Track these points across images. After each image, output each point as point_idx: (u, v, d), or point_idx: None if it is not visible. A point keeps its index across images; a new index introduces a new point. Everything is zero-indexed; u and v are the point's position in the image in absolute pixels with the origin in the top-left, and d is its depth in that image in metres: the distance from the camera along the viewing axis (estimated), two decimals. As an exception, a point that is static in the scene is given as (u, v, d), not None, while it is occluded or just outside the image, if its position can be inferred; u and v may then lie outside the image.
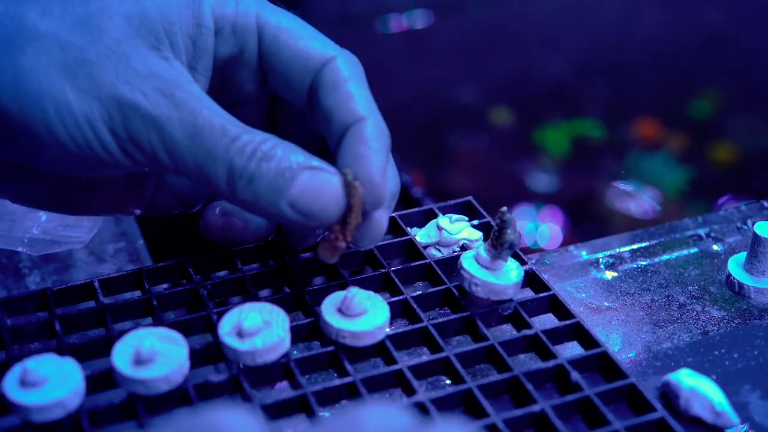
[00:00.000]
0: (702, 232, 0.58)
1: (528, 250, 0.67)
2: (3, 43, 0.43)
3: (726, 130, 1.56)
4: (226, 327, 0.45)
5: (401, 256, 0.53)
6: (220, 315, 0.47)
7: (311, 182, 0.44)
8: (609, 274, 0.54)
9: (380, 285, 0.51)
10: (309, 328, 0.48)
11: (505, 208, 0.47)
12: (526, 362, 0.47)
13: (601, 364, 0.46)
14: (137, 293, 0.51)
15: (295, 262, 0.51)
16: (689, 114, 1.59)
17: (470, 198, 0.56)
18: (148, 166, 0.45)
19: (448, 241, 0.53)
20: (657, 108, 1.60)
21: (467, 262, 0.49)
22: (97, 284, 0.50)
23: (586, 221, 1.37)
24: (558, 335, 0.47)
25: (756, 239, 0.52)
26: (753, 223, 0.57)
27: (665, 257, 0.55)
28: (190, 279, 0.51)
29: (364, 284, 0.49)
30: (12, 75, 0.43)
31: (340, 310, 0.46)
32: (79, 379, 0.43)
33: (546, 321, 0.49)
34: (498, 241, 0.48)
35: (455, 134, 1.54)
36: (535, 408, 0.43)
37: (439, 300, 0.50)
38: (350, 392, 0.45)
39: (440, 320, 0.48)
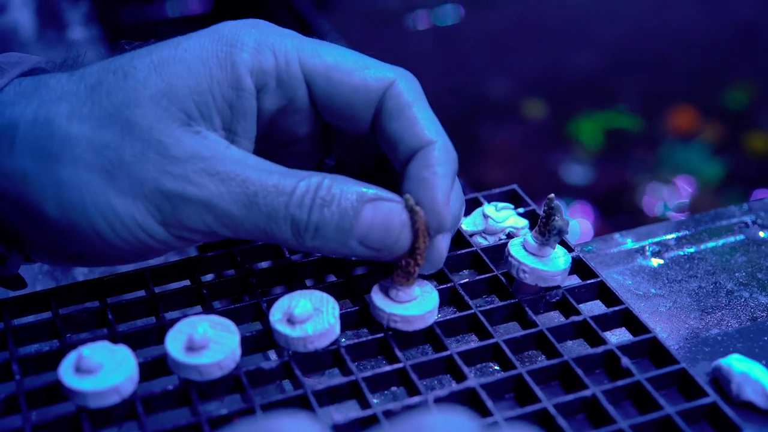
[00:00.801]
0: (748, 219, 0.57)
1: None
2: (40, 155, 0.43)
3: (761, 120, 1.55)
4: (276, 314, 0.46)
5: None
6: (270, 303, 0.47)
7: (376, 215, 0.44)
8: (655, 262, 0.54)
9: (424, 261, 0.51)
10: (357, 316, 0.48)
11: (552, 195, 0.48)
12: (574, 349, 0.47)
13: (651, 350, 0.46)
14: (186, 282, 0.51)
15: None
16: (724, 104, 1.59)
17: (515, 186, 0.56)
18: (206, 241, 0.46)
19: (494, 229, 0.53)
20: (691, 98, 1.59)
21: (515, 249, 0.49)
22: (147, 274, 0.50)
23: (621, 213, 1.37)
24: (606, 321, 0.47)
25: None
26: (799, 210, 0.56)
27: (711, 244, 0.55)
28: (238, 268, 0.51)
29: (412, 272, 0.49)
30: (54, 189, 0.43)
31: (390, 296, 0.47)
32: (133, 365, 0.44)
33: (594, 308, 0.49)
34: (546, 228, 0.48)
35: (488, 127, 1.54)
36: (586, 393, 0.43)
37: (486, 287, 0.50)
38: (401, 379, 0.45)
39: (488, 307, 0.48)
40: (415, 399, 0.43)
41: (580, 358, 0.45)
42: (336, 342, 0.46)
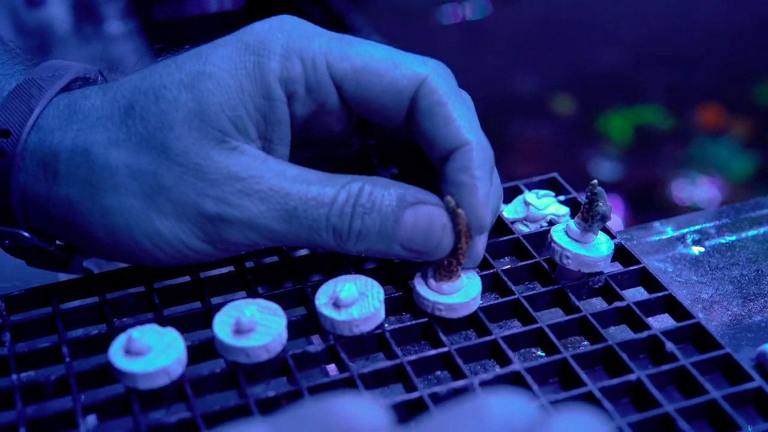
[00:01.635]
0: (789, 207, 0.57)
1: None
2: (83, 184, 0.44)
3: (791, 116, 1.54)
4: (322, 298, 0.46)
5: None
6: (314, 288, 0.48)
7: (417, 219, 0.44)
8: (696, 250, 0.54)
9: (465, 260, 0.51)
10: (399, 301, 0.48)
11: (595, 181, 0.48)
12: (617, 335, 0.47)
13: (695, 336, 0.46)
14: (230, 268, 0.52)
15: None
16: (752, 100, 1.58)
17: (555, 174, 0.56)
18: (252, 250, 0.48)
19: (535, 216, 0.53)
20: (720, 94, 1.59)
21: (558, 235, 0.49)
22: (192, 259, 0.51)
23: (651, 209, 1.36)
24: (649, 307, 0.47)
25: None
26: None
27: (752, 232, 0.55)
28: (282, 254, 0.52)
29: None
30: (100, 215, 0.44)
31: (434, 289, 0.47)
32: (182, 347, 0.44)
33: (636, 294, 0.49)
34: (589, 214, 0.48)
35: (517, 122, 1.54)
36: (632, 377, 0.43)
37: (529, 274, 0.50)
38: (445, 363, 0.45)
39: (531, 293, 0.48)
40: (461, 383, 0.43)
41: (625, 343, 0.45)
42: (380, 326, 0.46)
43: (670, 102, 1.56)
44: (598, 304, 0.49)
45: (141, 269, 0.50)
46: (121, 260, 0.48)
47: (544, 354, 0.46)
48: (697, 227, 0.56)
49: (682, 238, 0.55)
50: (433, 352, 0.45)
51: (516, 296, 0.48)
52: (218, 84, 0.44)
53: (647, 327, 0.46)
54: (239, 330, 0.44)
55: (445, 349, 0.45)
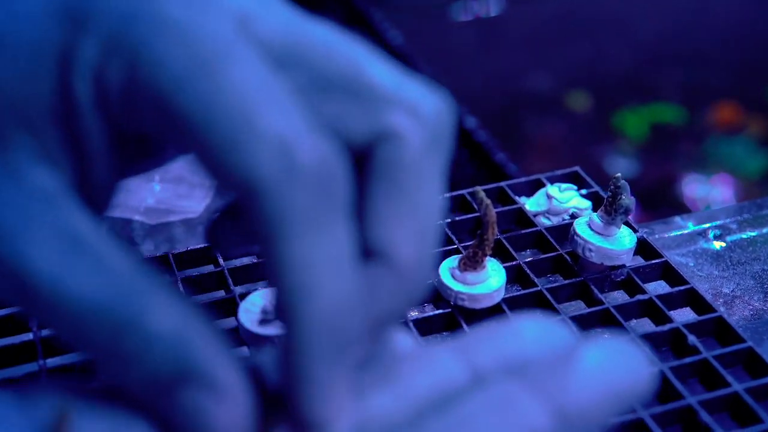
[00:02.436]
0: (810, 203, 0.58)
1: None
2: None
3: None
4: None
5: (510, 225, 0.54)
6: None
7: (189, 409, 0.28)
8: (717, 245, 0.54)
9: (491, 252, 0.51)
10: (423, 293, 0.49)
11: (619, 174, 0.48)
12: (638, 328, 0.47)
13: (717, 329, 0.46)
14: (253, 258, 0.52)
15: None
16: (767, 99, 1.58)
17: (577, 168, 0.57)
18: None
19: (557, 209, 0.53)
20: (735, 93, 1.59)
21: (581, 228, 0.50)
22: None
23: (665, 206, 1.36)
24: (671, 301, 0.48)
25: None
26: None
27: (774, 228, 0.56)
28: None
29: (476, 250, 0.50)
30: None
31: (458, 279, 0.47)
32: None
33: (657, 288, 0.49)
34: (612, 207, 0.48)
35: (532, 119, 1.54)
36: (653, 369, 0.43)
37: (551, 266, 0.51)
38: (468, 353, 0.46)
39: (554, 285, 0.48)
40: (484, 372, 0.43)
41: (647, 335, 0.45)
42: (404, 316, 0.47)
43: (686, 100, 1.56)
44: (619, 297, 0.49)
45: (164, 259, 0.51)
46: None
47: (566, 346, 0.46)
48: (718, 222, 0.56)
49: (703, 233, 0.55)
50: (456, 342, 0.45)
51: (538, 288, 0.48)
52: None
53: (669, 320, 0.46)
54: (265, 319, 0.45)
55: (469, 339, 0.45)
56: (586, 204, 0.54)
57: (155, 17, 0.27)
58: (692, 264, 0.53)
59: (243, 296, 0.47)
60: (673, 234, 0.55)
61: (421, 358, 0.29)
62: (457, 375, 0.28)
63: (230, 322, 0.47)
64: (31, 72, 0.28)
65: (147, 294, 0.28)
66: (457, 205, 0.56)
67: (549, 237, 0.52)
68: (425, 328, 0.47)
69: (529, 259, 0.50)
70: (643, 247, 0.51)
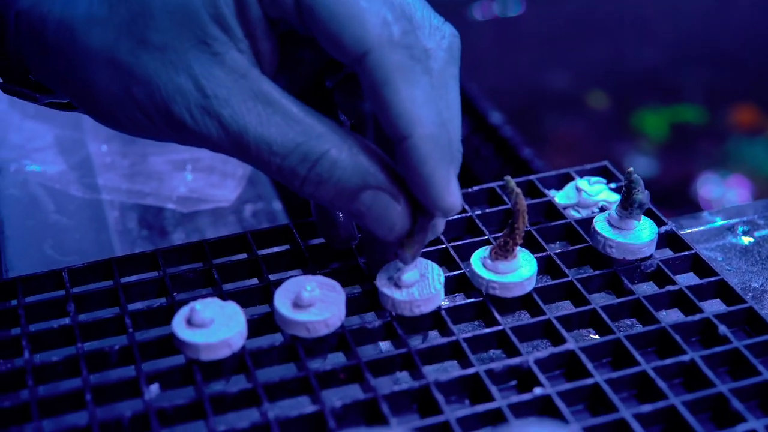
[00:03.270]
0: (837, 199, 0.58)
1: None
2: (68, 63, 0.43)
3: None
4: (383, 278, 0.47)
5: (540, 217, 0.55)
6: (369, 267, 0.49)
7: (373, 205, 0.43)
8: (745, 240, 0.55)
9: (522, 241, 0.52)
10: (453, 282, 0.49)
11: (632, 169, 0.49)
12: (668, 318, 0.48)
13: (747, 319, 0.47)
14: (287, 246, 0.53)
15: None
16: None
17: (606, 163, 0.57)
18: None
19: (587, 202, 0.54)
20: (756, 94, 1.58)
21: (600, 225, 0.50)
22: (250, 237, 0.52)
23: (686, 205, 1.36)
24: (701, 292, 0.48)
25: None
26: None
27: (802, 223, 0.56)
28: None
29: (507, 241, 0.51)
30: (84, 94, 0.44)
31: (489, 268, 0.48)
32: (243, 320, 0.45)
33: (687, 280, 0.50)
34: (627, 202, 0.49)
35: (551, 118, 1.54)
36: (685, 358, 0.44)
37: (580, 258, 0.51)
38: (499, 341, 0.46)
39: (584, 275, 0.49)
40: (516, 360, 0.44)
41: (678, 325, 0.46)
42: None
43: (707, 100, 1.56)
44: (649, 289, 0.50)
45: (199, 246, 0.51)
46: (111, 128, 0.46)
47: (597, 335, 0.47)
48: (746, 218, 0.56)
49: (731, 228, 0.56)
50: (488, 330, 0.46)
51: (569, 278, 0.49)
52: None
53: (699, 311, 0.46)
54: (299, 304, 0.45)
55: (500, 327, 0.46)
56: (616, 197, 0.54)
57: None
58: (721, 258, 0.54)
59: (276, 283, 0.48)
60: (701, 228, 0.56)
61: None
62: None
63: (263, 308, 0.48)
64: None
65: (329, 135, 0.42)
66: (486, 197, 0.56)
67: (578, 229, 0.52)
68: (457, 316, 0.48)
69: (558, 251, 0.51)
70: (673, 240, 0.51)
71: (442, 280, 0.47)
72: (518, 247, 0.48)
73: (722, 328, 0.45)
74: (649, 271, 0.50)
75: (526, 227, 0.50)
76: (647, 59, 1.65)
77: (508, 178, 0.46)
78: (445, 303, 0.48)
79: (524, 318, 0.48)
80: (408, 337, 0.47)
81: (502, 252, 0.47)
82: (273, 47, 0.43)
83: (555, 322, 0.46)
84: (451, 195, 0.42)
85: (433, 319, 0.47)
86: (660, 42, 1.69)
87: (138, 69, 0.42)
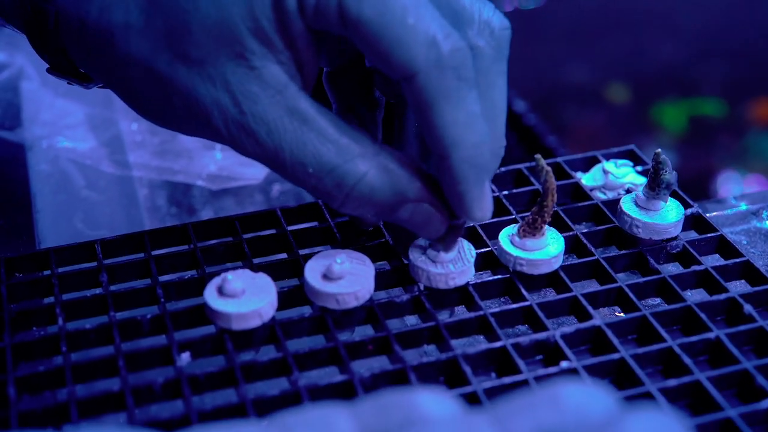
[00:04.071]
0: None
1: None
2: (109, 68, 0.44)
3: None
4: (416, 252, 0.48)
5: (566, 199, 0.55)
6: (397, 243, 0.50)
7: (414, 216, 0.44)
8: (770, 224, 0.55)
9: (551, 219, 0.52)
10: (480, 259, 0.50)
11: (659, 150, 0.49)
12: (693, 299, 0.48)
13: (772, 300, 0.47)
14: (315, 223, 0.54)
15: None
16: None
17: (633, 146, 0.58)
18: None
19: (613, 184, 0.54)
20: (776, 89, 1.58)
21: (627, 205, 0.51)
22: (279, 213, 0.53)
23: (705, 199, 1.37)
24: (726, 273, 0.49)
25: None
26: None
27: (827, 208, 0.56)
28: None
29: (534, 220, 0.51)
30: (127, 96, 0.45)
31: (518, 246, 0.48)
32: (274, 291, 0.46)
33: (712, 262, 0.50)
34: (655, 182, 0.49)
35: (571, 110, 1.55)
36: (710, 335, 0.44)
37: (607, 238, 0.52)
38: (526, 317, 0.47)
39: (611, 254, 0.50)
40: (543, 335, 0.45)
41: (703, 304, 0.46)
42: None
43: (726, 94, 1.56)
44: (674, 270, 0.50)
45: (228, 222, 0.52)
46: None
47: (622, 313, 0.47)
48: (771, 202, 0.57)
49: (756, 213, 0.56)
50: (515, 305, 0.47)
51: (595, 257, 0.49)
52: None
53: (725, 290, 0.47)
54: (330, 276, 0.46)
55: (527, 303, 0.47)
56: (642, 180, 0.55)
57: None
58: (745, 242, 0.54)
59: (306, 257, 0.48)
60: (726, 212, 0.56)
61: (458, 426, 0.28)
62: None
63: (292, 282, 0.49)
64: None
65: (365, 156, 0.42)
66: (513, 179, 0.57)
67: (605, 210, 0.53)
68: (484, 293, 0.48)
69: (585, 230, 0.51)
70: (698, 222, 0.52)
71: (474, 253, 0.48)
72: (546, 226, 0.48)
73: (747, 308, 0.46)
74: (674, 251, 0.50)
75: (554, 207, 0.50)
76: (667, 52, 1.65)
77: (538, 156, 0.47)
78: (473, 280, 0.48)
79: (550, 295, 0.49)
80: (436, 311, 0.47)
81: (531, 229, 0.48)
82: (315, 52, 0.43)
83: (581, 298, 0.47)
84: (480, 209, 0.44)
85: (461, 295, 0.48)
86: (680, 35, 1.69)
87: (177, 81, 0.42)
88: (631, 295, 0.47)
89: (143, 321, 0.46)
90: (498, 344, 0.44)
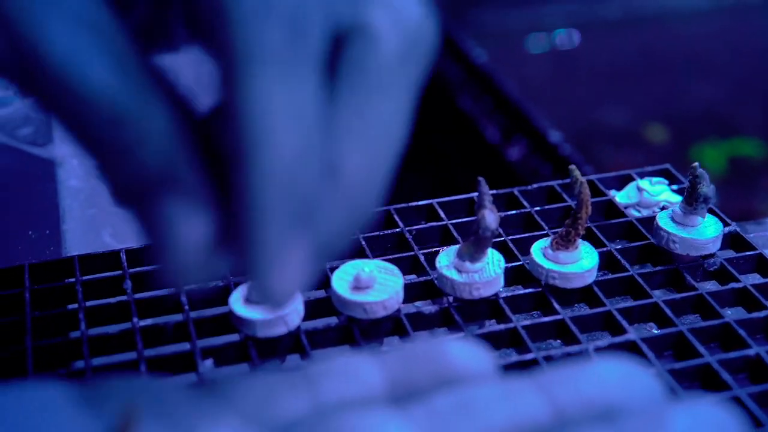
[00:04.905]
0: None
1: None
2: None
3: None
4: (443, 261, 0.47)
5: (599, 217, 0.54)
6: (427, 257, 0.49)
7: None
8: (811, 244, 0.54)
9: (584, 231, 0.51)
10: (511, 273, 0.49)
11: (696, 163, 0.48)
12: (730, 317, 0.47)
13: (813, 319, 0.45)
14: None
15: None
16: None
17: (668, 165, 0.57)
18: None
19: (648, 202, 0.53)
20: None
21: (663, 221, 0.49)
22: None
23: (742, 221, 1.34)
24: (766, 291, 0.47)
25: None
26: None
27: None
28: (395, 226, 0.52)
29: (567, 236, 0.50)
30: None
31: (550, 258, 0.47)
32: (299, 299, 0.45)
33: (751, 280, 0.49)
34: (692, 197, 0.48)
35: (608, 150, 1.53)
36: (750, 352, 0.43)
37: (641, 255, 0.50)
38: (558, 331, 0.45)
39: (646, 270, 0.48)
40: (575, 348, 0.43)
41: (742, 321, 0.45)
42: (495, 293, 0.47)
43: (766, 135, 1.54)
44: (711, 288, 0.49)
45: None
46: None
47: (658, 330, 0.46)
48: (812, 224, 0.55)
49: (796, 234, 0.55)
50: (547, 318, 0.45)
51: (630, 272, 0.48)
52: None
53: (764, 308, 0.45)
54: (358, 286, 0.45)
55: (559, 316, 0.45)
56: (677, 198, 0.53)
57: None
58: (785, 262, 0.52)
59: (332, 268, 0.47)
60: (765, 234, 0.55)
61: (501, 387, 0.27)
62: (537, 411, 0.27)
63: (318, 293, 0.48)
64: None
65: (152, 90, 0.27)
66: (545, 196, 0.56)
67: (639, 227, 0.51)
68: (515, 306, 0.47)
69: (619, 247, 0.50)
70: (736, 241, 0.51)
71: (503, 265, 0.46)
72: (579, 239, 0.47)
73: (788, 324, 0.44)
74: (712, 269, 0.49)
75: (587, 223, 0.49)
76: (706, 93, 1.64)
77: (572, 167, 0.46)
78: (504, 293, 0.47)
79: (583, 310, 0.47)
80: (465, 324, 0.46)
81: (564, 242, 0.47)
82: None
83: (616, 313, 0.45)
84: (274, 266, 0.26)
85: (491, 308, 0.47)
86: (719, 76, 1.68)
87: None
88: (668, 311, 0.45)
89: (167, 327, 0.46)
90: (529, 356, 0.43)
